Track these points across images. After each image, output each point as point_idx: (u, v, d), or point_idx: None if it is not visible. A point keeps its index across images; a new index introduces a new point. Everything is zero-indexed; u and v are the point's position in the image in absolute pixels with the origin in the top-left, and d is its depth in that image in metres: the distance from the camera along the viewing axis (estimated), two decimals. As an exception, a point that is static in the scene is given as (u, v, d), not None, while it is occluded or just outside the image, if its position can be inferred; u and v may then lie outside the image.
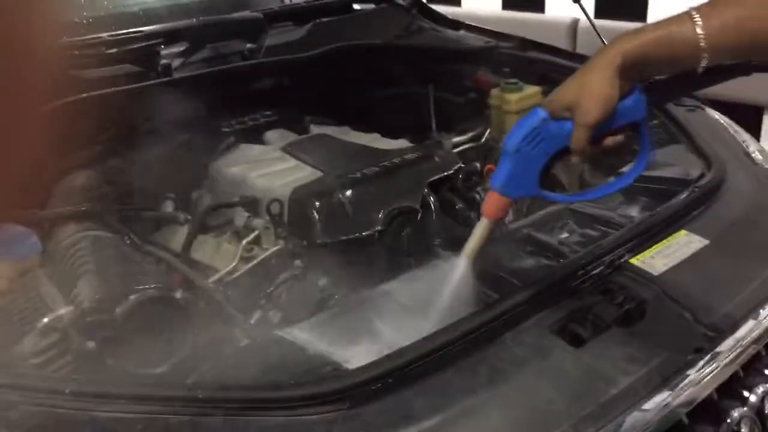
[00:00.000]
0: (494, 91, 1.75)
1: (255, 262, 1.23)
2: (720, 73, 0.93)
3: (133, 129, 1.60)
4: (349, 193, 1.28)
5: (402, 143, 1.60)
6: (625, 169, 1.24)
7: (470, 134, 1.91)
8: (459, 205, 1.42)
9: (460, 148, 1.76)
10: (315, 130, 1.69)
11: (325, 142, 1.56)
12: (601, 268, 1.08)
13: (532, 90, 1.87)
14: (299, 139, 1.59)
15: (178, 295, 1.05)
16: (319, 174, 1.38)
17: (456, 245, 1.39)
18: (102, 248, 1.14)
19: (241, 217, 1.32)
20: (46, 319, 0.96)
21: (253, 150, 1.55)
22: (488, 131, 1.87)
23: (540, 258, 1.19)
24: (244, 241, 1.27)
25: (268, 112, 1.73)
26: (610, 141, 0.95)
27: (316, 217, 1.26)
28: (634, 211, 1.31)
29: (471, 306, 1.00)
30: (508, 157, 0.95)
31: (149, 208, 1.46)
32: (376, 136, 1.62)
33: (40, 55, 0.38)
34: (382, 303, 1.08)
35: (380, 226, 1.28)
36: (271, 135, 1.64)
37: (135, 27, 1.71)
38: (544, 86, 1.87)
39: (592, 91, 0.88)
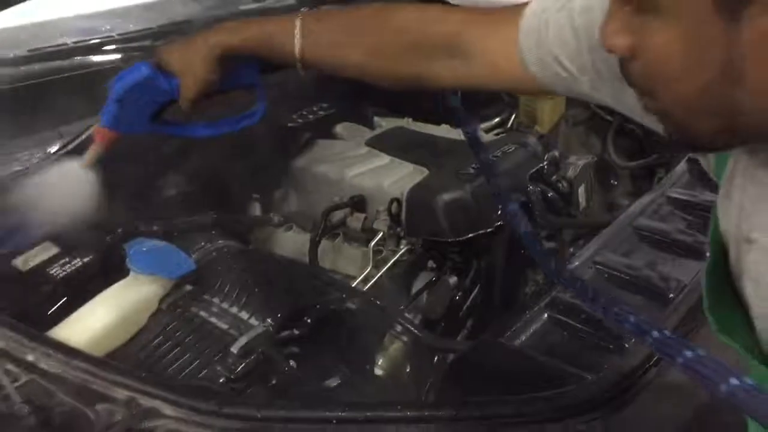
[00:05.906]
0: None
1: (388, 264, 1.22)
2: None
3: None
4: (469, 189, 1.28)
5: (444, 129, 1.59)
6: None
7: (496, 120, 1.92)
8: (550, 194, 1.44)
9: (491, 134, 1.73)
10: (380, 121, 1.66)
11: (407, 136, 1.54)
12: None
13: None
14: (379, 133, 1.56)
15: (352, 305, 1.03)
16: (421, 170, 1.37)
17: (553, 237, 1.43)
18: (250, 261, 1.10)
19: (356, 219, 1.29)
20: (243, 340, 0.92)
21: (334, 146, 1.52)
22: (513, 116, 1.89)
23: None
24: (371, 244, 1.24)
25: (324, 104, 1.68)
26: (220, 98, 0.95)
27: (443, 215, 1.25)
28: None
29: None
30: (114, 103, 0.92)
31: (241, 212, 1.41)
32: (445, 126, 1.61)
33: None
34: None
35: (501, 221, 1.28)
36: (341, 129, 1.60)
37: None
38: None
39: (193, 72, 0.89)
